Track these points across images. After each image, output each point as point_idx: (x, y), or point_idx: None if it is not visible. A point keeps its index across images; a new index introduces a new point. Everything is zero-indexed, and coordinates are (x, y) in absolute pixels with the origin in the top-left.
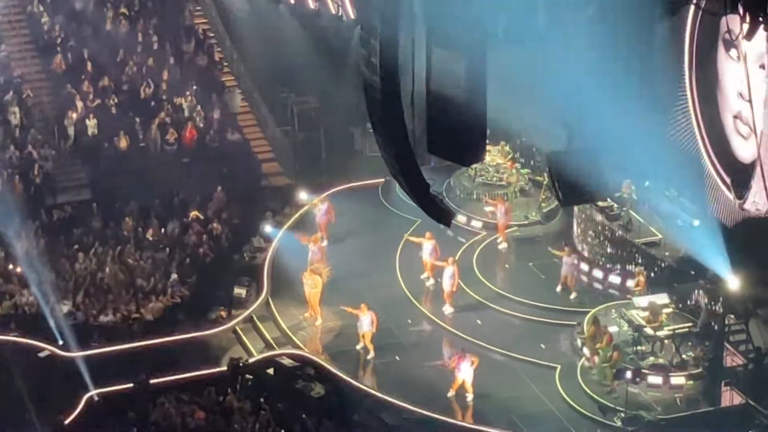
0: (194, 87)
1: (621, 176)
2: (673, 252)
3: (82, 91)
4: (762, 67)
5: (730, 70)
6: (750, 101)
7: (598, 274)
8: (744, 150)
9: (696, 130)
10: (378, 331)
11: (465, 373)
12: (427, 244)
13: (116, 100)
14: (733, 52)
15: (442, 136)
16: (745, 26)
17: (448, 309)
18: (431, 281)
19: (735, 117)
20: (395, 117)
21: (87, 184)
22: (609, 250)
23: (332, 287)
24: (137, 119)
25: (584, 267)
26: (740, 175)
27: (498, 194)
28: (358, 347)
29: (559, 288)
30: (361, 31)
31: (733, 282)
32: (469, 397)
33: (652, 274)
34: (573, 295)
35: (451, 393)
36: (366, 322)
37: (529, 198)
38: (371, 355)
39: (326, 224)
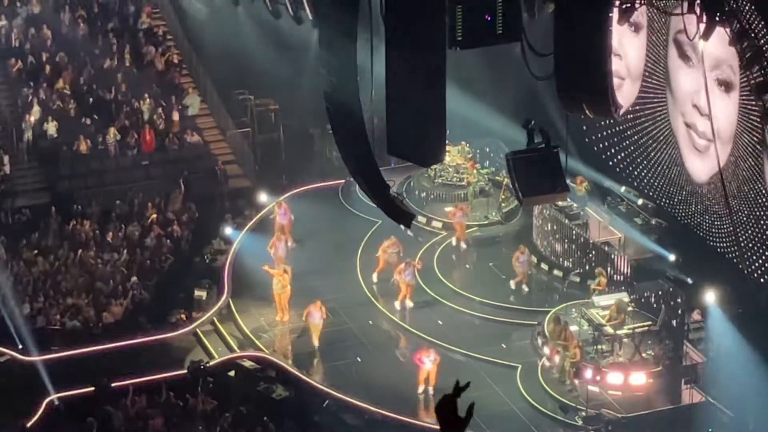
0: (153, 89)
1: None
2: (633, 251)
3: (40, 95)
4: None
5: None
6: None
7: (558, 273)
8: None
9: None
10: (337, 330)
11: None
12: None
13: (75, 103)
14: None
15: (401, 137)
16: (702, 26)
17: (409, 304)
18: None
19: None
20: (355, 118)
21: (46, 187)
22: (568, 249)
23: (293, 288)
24: (96, 122)
25: (544, 266)
26: None
27: (459, 197)
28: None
29: (513, 283)
30: (320, 32)
31: (693, 281)
32: (430, 391)
33: (613, 272)
34: (525, 289)
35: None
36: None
37: (489, 198)
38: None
39: (289, 225)
